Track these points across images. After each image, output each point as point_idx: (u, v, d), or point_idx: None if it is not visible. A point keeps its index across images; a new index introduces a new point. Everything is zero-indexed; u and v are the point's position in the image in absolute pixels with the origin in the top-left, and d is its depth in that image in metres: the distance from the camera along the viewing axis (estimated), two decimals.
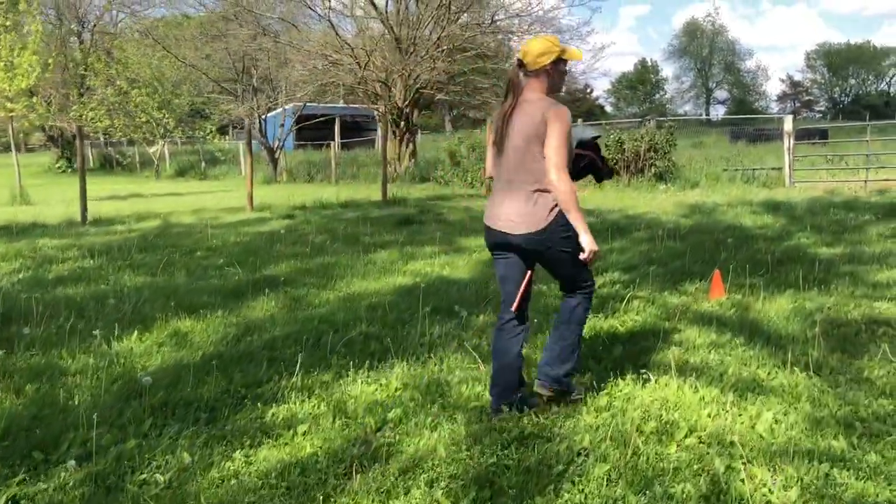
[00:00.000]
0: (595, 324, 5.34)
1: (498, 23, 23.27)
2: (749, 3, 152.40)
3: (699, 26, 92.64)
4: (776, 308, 5.71)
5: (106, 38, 36.95)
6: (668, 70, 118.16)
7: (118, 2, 42.38)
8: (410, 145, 23.73)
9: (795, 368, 4.32)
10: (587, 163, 3.86)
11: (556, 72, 3.66)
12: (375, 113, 23.63)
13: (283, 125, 28.06)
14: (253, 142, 33.77)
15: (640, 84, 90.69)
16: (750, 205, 13.16)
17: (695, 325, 5.31)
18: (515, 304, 3.72)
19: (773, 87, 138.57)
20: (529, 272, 3.73)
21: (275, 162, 27.57)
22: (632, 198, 15.34)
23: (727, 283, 6.55)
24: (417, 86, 22.42)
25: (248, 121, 15.19)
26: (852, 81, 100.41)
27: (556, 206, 3.49)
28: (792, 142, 17.30)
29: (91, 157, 45.64)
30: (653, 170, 17.45)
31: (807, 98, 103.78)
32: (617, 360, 4.53)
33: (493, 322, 5.25)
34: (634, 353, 4.67)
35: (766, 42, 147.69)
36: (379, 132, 32.90)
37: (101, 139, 42.86)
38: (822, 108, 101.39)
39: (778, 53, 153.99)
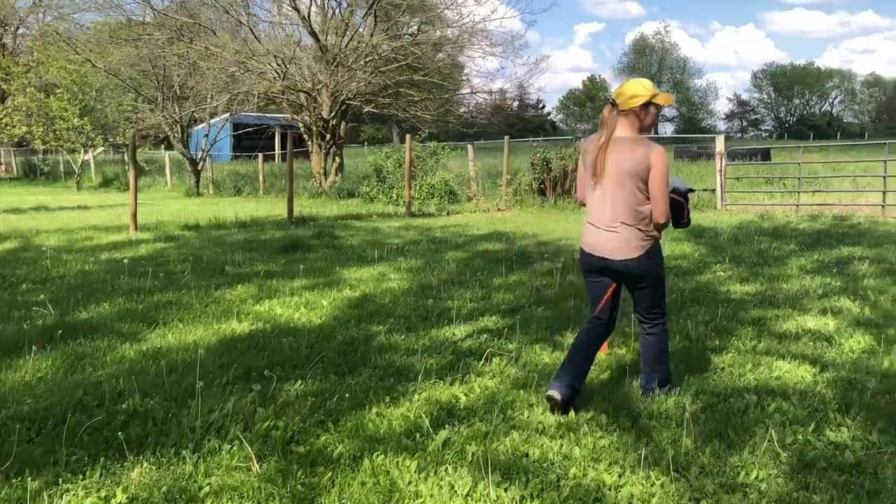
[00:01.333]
0: (432, 394, 4.33)
1: (427, 34, 22.33)
2: (700, 23, 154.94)
3: (648, 43, 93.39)
4: None
5: (28, 42, 35.19)
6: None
7: (45, 5, 40.63)
8: (337, 159, 22.60)
9: (656, 468, 3.36)
10: (676, 208, 4.24)
11: (645, 114, 4.02)
12: (300, 125, 22.40)
13: (206, 135, 26.71)
14: (175, 153, 32.35)
15: (589, 100, 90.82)
16: (676, 231, 12.35)
17: None
18: (599, 308, 4.26)
19: (722, 106, 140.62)
20: (614, 285, 4.20)
21: (197, 174, 26.19)
22: (553, 220, 14.47)
23: (619, 331, 5.62)
24: (343, 97, 21.33)
25: (135, 131, 13.95)
26: (797, 101, 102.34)
27: (652, 238, 4.07)
28: (724, 163, 16.64)
29: (14, 165, 43.65)
30: None
31: (753, 117, 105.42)
32: (436, 452, 3.52)
33: (310, 391, 4.25)
34: (462, 440, 3.66)
35: (717, 61, 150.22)
36: (276, 143, 31.38)
37: (27, 146, 40.80)
38: (769, 128, 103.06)
39: (728, 73, 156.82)
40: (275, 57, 19.79)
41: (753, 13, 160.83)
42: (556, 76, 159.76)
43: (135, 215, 12.37)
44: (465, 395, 4.33)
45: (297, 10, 21.02)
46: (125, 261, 8.11)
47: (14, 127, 30.78)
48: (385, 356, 5.03)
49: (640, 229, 4.01)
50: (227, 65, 19.57)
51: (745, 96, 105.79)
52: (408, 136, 16.33)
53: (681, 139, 50.78)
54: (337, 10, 21.59)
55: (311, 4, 20.79)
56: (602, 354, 5.17)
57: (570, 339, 5.64)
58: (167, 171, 32.09)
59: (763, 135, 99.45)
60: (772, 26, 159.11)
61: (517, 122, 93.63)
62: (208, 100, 22.64)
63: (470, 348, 5.26)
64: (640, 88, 4.01)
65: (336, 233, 12.00)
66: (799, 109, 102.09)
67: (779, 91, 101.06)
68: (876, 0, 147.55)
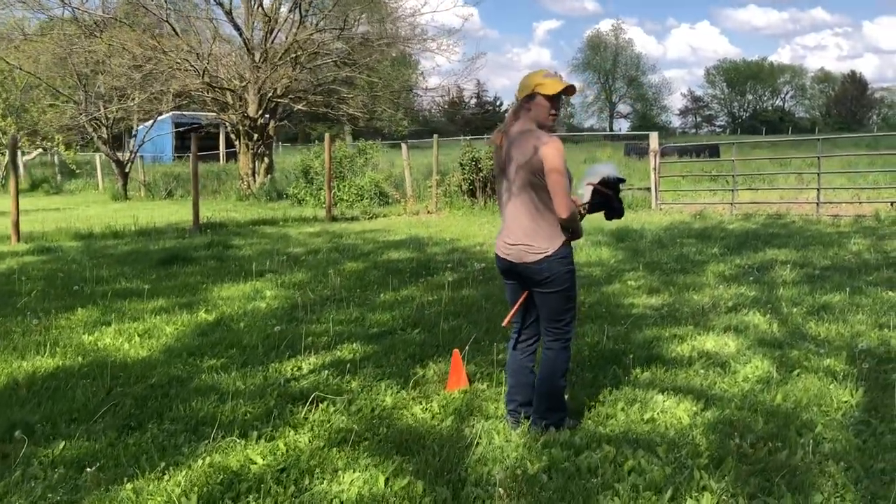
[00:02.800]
0: (223, 458, 3.53)
1: (357, 28, 21.49)
2: (656, 20, 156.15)
3: (603, 40, 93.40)
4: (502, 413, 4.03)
5: None
6: (576, 84, 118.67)
7: None
8: (266, 160, 21.63)
9: None
10: (602, 200, 3.92)
11: (534, 105, 3.64)
12: (226, 124, 21.39)
13: (134, 136, 25.52)
14: (102, 155, 31.00)
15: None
16: (600, 233, 11.71)
17: (372, 455, 3.58)
18: (507, 319, 3.94)
19: (677, 102, 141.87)
20: (526, 292, 3.84)
21: (125, 176, 24.97)
22: (479, 223, 13.75)
23: (487, 360, 4.91)
24: (271, 95, 20.37)
25: (14, 132, 12.90)
26: (750, 97, 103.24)
27: (560, 237, 3.65)
28: (658, 161, 16.08)
29: None
30: None
31: (707, 113, 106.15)
32: None
33: (69, 458, 3.43)
34: None
35: (674, 57, 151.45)
36: (221, 142, 30.08)
37: None
38: (723, 123, 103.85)
39: (685, 69, 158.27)
40: (195, 54, 18.75)
41: (708, 10, 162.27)
42: (517, 73, 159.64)
43: (17, 224, 11.35)
44: (264, 457, 3.54)
45: (220, 4, 20.01)
46: None
47: None
48: (193, 403, 4.22)
49: (541, 229, 3.65)
50: (138, 61, 18.47)
51: (699, 92, 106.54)
52: (326, 136, 15.50)
53: (612, 136, 50.62)
54: (260, 5, 20.52)
55: None
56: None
57: (431, 371, 4.90)
58: (98, 173, 30.73)
59: (717, 130, 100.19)
60: (726, 23, 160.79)
61: (474, 119, 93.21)
62: (127, 99, 21.44)
63: (302, 389, 4.47)
64: (527, 80, 3.69)
65: (234, 242, 11.13)
66: (752, 105, 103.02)
67: (732, 87, 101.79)
68: None
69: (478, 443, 3.70)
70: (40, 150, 32.26)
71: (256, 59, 19.98)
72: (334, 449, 3.63)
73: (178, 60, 18.55)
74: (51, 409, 4.13)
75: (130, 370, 4.86)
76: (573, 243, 3.84)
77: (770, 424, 3.94)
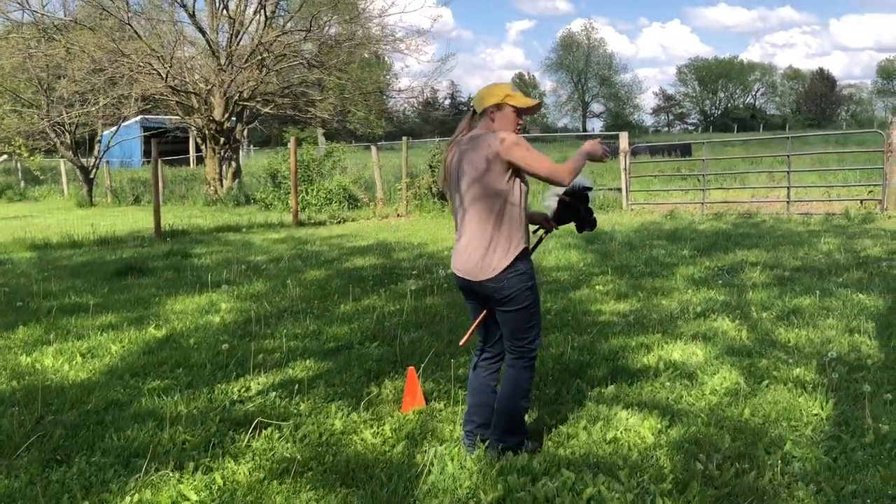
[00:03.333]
0: (153, 495, 3.28)
1: (329, 30, 21.19)
2: (628, 20, 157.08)
3: (575, 39, 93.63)
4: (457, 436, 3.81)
5: None
6: (548, 84, 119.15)
7: None
8: (233, 164, 21.25)
9: None
10: (570, 212, 3.74)
11: (501, 116, 3.48)
12: (192, 129, 20.98)
13: (99, 140, 25.00)
14: (63, 160, 30.40)
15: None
16: (570, 235, 11.54)
17: (315, 488, 3.34)
18: (464, 339, 3.76)
19: (649, 101, 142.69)
20: (486, 310, 3.63)
21: (89, 183, 24.46)
22: (448, 227, 13.52)
23: (446, 376, 4.69)
24: (237, 98, 20.00)
25: None
26: (721, 95, 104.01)
27: (513, 253, 3.41)
28: (628, 161, 15.96)
29: None
30: None
31: (679, 111, 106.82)
32: None
33: None
34: None
35: (645, 56, 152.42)
36: (190, 146, 29.48)
37: None
38: (695, 121, 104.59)
39: (657, 68, 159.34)
40: (158, 57, 18.33)
41: (679, 8, 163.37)
42: (490, 73, 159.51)
43: None
44: (198, 492, 3.29)
45: (183, 5, 19.61)
46: None
47: None
48: (128, 431, 3.95)
49: (497, 244, 3.42)
50: (98, 65, 18.02)
51: (671, 91, 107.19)
52: (292, 139, 15.20)
53: (584, 136, 50.71)
54: (224, 7, 20.15)
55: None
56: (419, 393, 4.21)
57: (387, 389, 4.67)
58: (63, 179, 30.11)
59: (689, 128, 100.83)
60: (697, 21, 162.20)
61: (448, 120, 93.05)
62: (89, 104, 20.94)
63: (247, 413, 4.21)
64: (492, 89, 3.53)
65: (194, 250, 10.82)
66: (723, 102, 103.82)
67: (703, 85, 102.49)
68: None
69: (429, 471, 3.48)
70: (4, 156, 31.59)
71: (222, 61, 19.60)
72: (275, 482, 3.39)
73: (141, 64, 18.14)
74: None
75: (67, 394, 4.57)
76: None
77: (737, 442, 3.76)
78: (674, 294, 7.31)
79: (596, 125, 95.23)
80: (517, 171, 3.40)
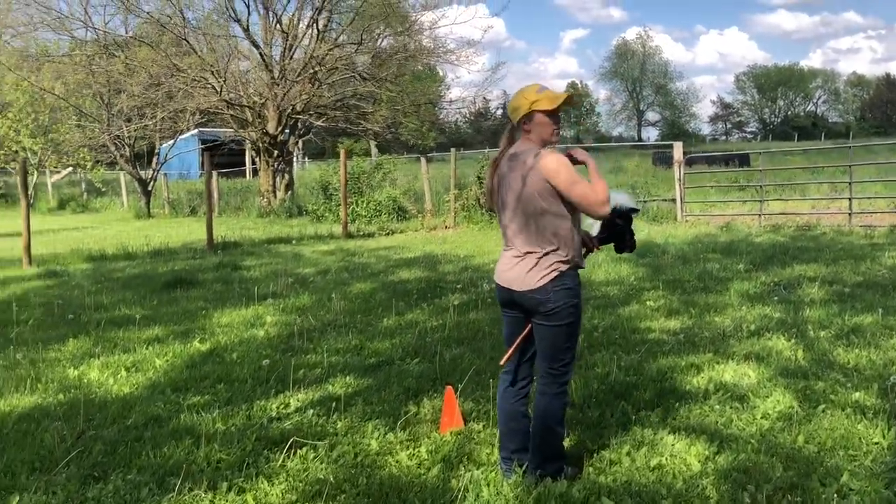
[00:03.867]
0: None
1: (382, 42, 21.33)
2: (684, 27, 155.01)
3: (630, 48, 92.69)
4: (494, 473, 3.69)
5: None
6: (602, 92, 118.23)
7: (2, 25, 39.47)
8: (286, 176, 21.51)
9: None
10: (616, 232, 3.68)
11: (534, 126, 3.37)
12: (246, 141, 21.33)
13: (157, 153, 25.60)
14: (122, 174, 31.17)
15: (570, 107, 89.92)
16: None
17: None
18: (504, 359, 3.62)
19: (706, 109, 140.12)
20: (529, 327, 3.51)
21: (147, 195, 25.05)
22: (495, 239, 13.40)
23: (486, 396, 4.59)
24: (290, 111, 20.26)
25: (23, 159, 12.86)
26: (781, 103, 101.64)
27: (560, 267, 3.34)
28: (682, 171, 15.63)
29: None
30: None
31: (738, 119, 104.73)
32: None
33: None
34: None
35: (703, 64, 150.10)
36: (247, 158, 29.74)
37: None
38: (753, 129, 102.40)
39: (715, 76, 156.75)
40: (212, 71, 18.69)
41: (737, 15, 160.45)
42: (544, 82, 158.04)
43: (28, 248, 11.26)
44: None
45: (237, 20, 19.97)
46: None
47: None
48: (165, 449, 3.95)
49: (545, 255, 3.34)
50: (155, 80, 18.47)
51: (729, 99, 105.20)
52: (342, 151, 15.28)
53: (641, 146, 50.05)
54: (278, 21, 20.45)
55: (248, 14, 19.69)
56: (446, 433, 4.12)
57: (425, 408, 4.59)
58: (123, 191, 30.91)
59: (748, 136, 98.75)
60: (755, 28, 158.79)
61: (502, 130, 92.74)
62: (146, 118, 21.48)
63: (283, 431, 4.18)
64: (519, 99, 3.40)
65: (244, 262, 10.93)
66: (783, 111, 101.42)
67: (762, 92, 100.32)
68: (857, 0, 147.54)
69: (464, 497, 3.38)
70: (70, 168, 32.61)
71: (275, 75, 19.88)
72: None
73: (196, 78, 18.51)
74: (14, 457, 3.88)
75: (109, 409, 4.61)
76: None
77: (790, 472, 3.57)
78: (727, 311, 7.07)
79: (651, 134, 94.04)
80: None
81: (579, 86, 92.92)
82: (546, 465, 3.51)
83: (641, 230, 13.74)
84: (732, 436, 4.04)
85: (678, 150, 15.99)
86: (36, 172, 31.54)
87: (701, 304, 7.39)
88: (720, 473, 3.58)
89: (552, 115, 3.37)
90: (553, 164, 3.25)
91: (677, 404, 4.53)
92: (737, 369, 5.20)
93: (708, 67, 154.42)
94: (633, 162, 38.95)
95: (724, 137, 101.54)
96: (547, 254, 3.34)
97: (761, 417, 4.30)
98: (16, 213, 29.93)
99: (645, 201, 16.98)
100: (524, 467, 3.55)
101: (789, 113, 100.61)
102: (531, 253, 3.37)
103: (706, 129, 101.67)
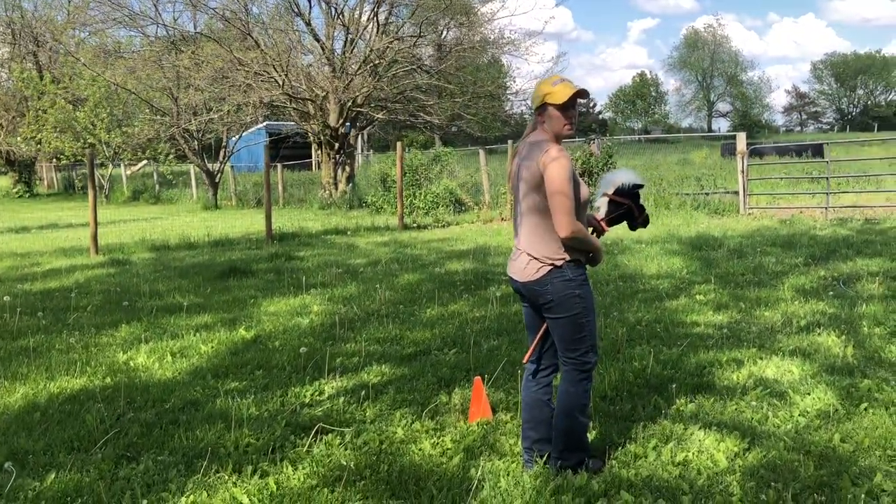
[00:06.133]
0: (206, 497, 3.34)
1: (447, 35, 21.38)
2: (756, 15, 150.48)
3: (700, 37, 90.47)
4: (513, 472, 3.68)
5: (60, 57, 35.33)
6: (671, 83, 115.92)
7: (79, 21, 40.99)
8: (347, 168, 21.77)
9: None
10: (624, 211, 3.64)
11: (547, 117, 3.36)
12: (309, 133, 21.66)
13: (224, 146, 26.22)
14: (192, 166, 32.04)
15: (639, 98, 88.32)
16: (677, 241, 11.13)
17: (364, 498, 3.32)
18: (527, 356, 3.65)
19: (779, 99, 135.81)
20: (546, 322, 3.49)
21: (215, 186, 25.69)
22: None
23: (517, 387, 4.57)
24: (350, 104, 20.48)
25: (91, 151, 13.32)
26: (860, 92, 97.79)
27: (556, 262, 3.33)
28: (746, 163, 15.20)
29: (56, 181, 44.20)
30: None
31: (814, 109, 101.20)
32: None
33: (50, 494, 3.33)
34: None
35: (777, 53, 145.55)
36: (312, 151, 30.20)
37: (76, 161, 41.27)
38: (830, 120, 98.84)
39: (790, 65, 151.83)
40: (274, 65, 19.04)
41: (813, 2, 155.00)
42: (611, 74, 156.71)
43: (95, 237, 11.70)
44: (250, 496, 3.34)
45: (299, 14, 20.28)
46: (57, 290, 7.32)
47: (49, 143, 30.81)
48: (197, 432, 4.06)
49: (548, 246, 3.34)
50: (219, 74, 18.92)
51: (804, 88, 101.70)
52: (398, 144, 15.37)
53: (710, 138, 48.76)
54: (339, 14, 20.69)
55: (310, 7, 19.97)
56: (472, 423, 4.13)
57: (456, 397, 4.61)
58: (192, 183, 31.79)
59: (824, 127, 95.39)
60: (833, 15, 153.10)
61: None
62: (212, 111, 22.02)
63: (313, 417, 4.25)
64: (536, 90, 3.41)
65: (299, 253, 11.11)
66: (862, 100, 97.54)
67: (840, 81, 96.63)
68: None
69: (482, 486, 3.38)
70: (144, 161, 33.73)
71: (336, 68, 20.12)
72: (326, 489, 3.39)
73: (259, 72, 18.89)
74: (56, 436, 4.05)
75: (150, 392, 4.77)
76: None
77: (821, 471, 3.46)
78: (778, 305, 6.87)
79: (722, 125, 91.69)
80: (573, 178, 3.28)
81: (648, 76, 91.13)
82: (567, 455, 3.49)
83: (700, 223, 13.45)
84: (765, 433, 3.93)
85: (741, 141, 15.57)
86: (111, 165, 32.76)
87: (752, 298, 7.20)
88: (747, 470, 3.50)
89: (563, 108, 3.33)
90: (552, 162, 3.24)
91: (712, 399, 4.44)
92: (780, 365, 5.05)
93: (782, 57, 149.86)
94: (701, 153, 38.13)
95: (798, 128, 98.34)
96: (549, 243, 3.34)
97: (799, 415, 4.17)
98: (87, 205, 31.20)
99: (707, 193, 16.59)
100: (545, 458, 3.53)
101: (869, 103, 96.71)
102: (532, 244, 3.38)
103: (780, 120, 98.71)
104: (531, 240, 3.39)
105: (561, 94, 3.31)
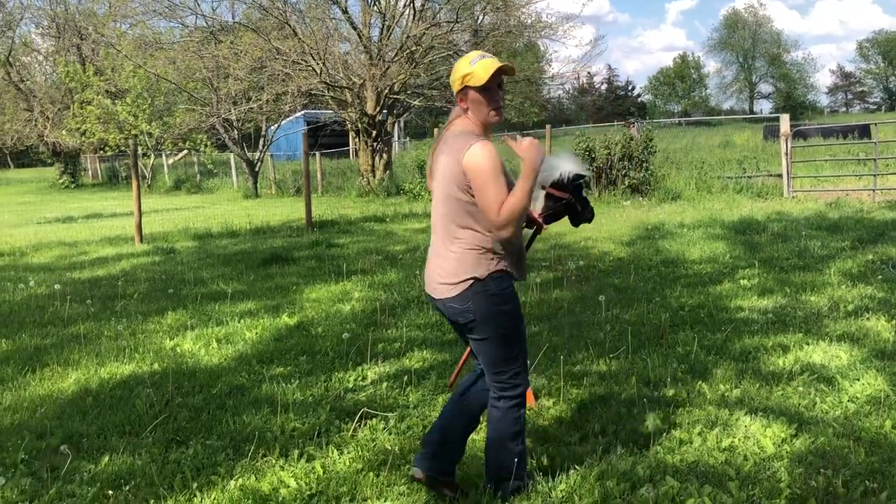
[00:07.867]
0: (254, 481, 3.40)
1: (478, 19, 21.27)
2: None
3: (741, 18, 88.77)
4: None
5: (101, 49, 35.92)
6: (711, 65, 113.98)
7: (120, 13, 41.55)
8: (385, 156, 21.83)
9: None
10: (563, 206, 3.28)
11: (469, 103, 2.89)
12: (347, 121, 21.76)
13: (263, 135, 26.47)
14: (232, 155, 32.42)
15: (679, 80, 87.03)
16: (720, 225, 10.97)
17: (408, 483, 3.35)
18: (452, 379, 3.40)
19: (824, 79, 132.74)
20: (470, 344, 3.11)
21: (255, 175, 25.98)
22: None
23: (559, 372, 4.58)
24: (387, 91, 20.52)
25: (134, 141, 13.52)
26: None
27: (489, 267, 2.87)
28: (790, 145, 14.91)
29: (100, 171, 45.06)
30: (626, 181, 15.22)
31: (860, 90, 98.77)
32: None
33: (104, 476, 3.42)
34: None
35: (820, 32, 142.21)
36: (350, 139, 30.39)
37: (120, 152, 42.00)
38: (877, 100, 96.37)
39: (833, 44, 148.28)
40: (311, 54, 19.14)
41: None
42: (649, 56, 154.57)
43: (139, 226, 11.92)
44: (297, 480, 3.39)
45: (336, 2, 20.34)
46: (104, 278, 7.50)
47: (94, 134, 31.42)
48: (244, 417, 4.13)
49: (464, 256, 2.89)
50: (257, 63, 19.09)
51: (849, 68, 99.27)
52: (435, 130, 15.35)
53: (753, 119, 47.75)
54: (376, 1, 20.71)
55: None
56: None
57: None
58: (233, 172, 32.17)
59: (871, 108, 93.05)
60: None
61: (606, 105, 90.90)
62: (251, 101, 22.24)
63: (357, 402, 4.30)
64: (453, 72, 2.94)
65: (339, 240, 11.19)
66: None
67: (888, 60, 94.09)
68: None
69: None
70: (185, 151, 34.23)
71: (373, 56, 20.15)
72: (371, 473, 3.42)
73: (297, 61, 19.01)
74: (108, 420, 4.16)
75: (197, 378, 4.86)
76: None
77: (872, 458, 3.41)
78: (825, 290, 6.75)
79: (765, 107, 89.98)
80: (503, 172, 2.88)
81: (689, 58, 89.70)
82: (502, 486, 3.12)
83: (743, 207, 13.24)
84: (814, 419, 3.88)
85: (784, 122, 15.28)
86: (153, 155, 33.30)
87: (797, 282, 7.08)
88: (795, 456, 3.45)
89: (486, 90, 2.86)
90: (475, 158, 2.79)
91: (758, 385, 4.39)
92: (827, 350, 4.97)
93: (825, 36, 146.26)
94: (743, 136, 37.42)
95: (844, 109, 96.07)
96: (468, 253, 2.90)
97: (848, 401, 4.11)
98: (131, 195, 31.79)
99: (749, 177, 16.31)
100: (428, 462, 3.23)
101: None
102: (449, 251, 2.94)
103: (824, 101, 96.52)
104: (447, 249, 2.95)
105: (481, 74, 2.83)
